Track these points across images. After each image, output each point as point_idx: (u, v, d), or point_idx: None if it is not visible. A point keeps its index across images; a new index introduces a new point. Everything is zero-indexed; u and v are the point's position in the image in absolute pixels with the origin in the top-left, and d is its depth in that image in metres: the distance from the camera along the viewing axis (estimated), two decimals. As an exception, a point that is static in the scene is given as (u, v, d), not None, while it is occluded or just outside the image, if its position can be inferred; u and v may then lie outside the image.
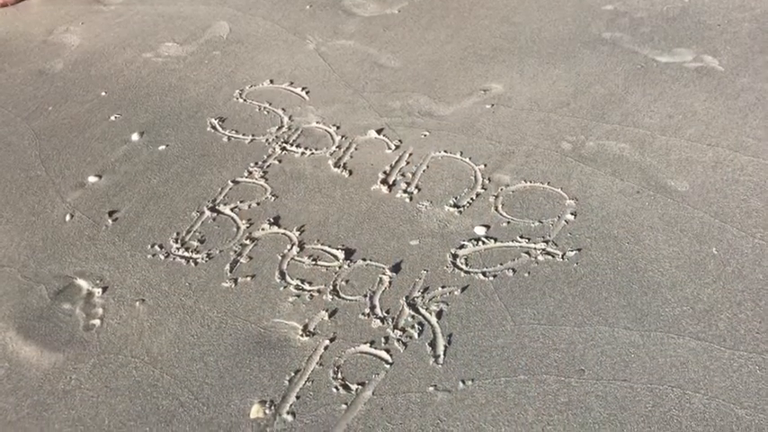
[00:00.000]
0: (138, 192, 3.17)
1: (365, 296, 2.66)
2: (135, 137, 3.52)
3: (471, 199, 3.06)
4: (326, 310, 2.61)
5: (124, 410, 2.26)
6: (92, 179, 3.26)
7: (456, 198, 3.08)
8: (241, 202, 3.12)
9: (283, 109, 3.64)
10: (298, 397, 2.29)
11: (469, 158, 3.27)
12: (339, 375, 2.37)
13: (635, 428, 2.15)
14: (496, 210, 3.00)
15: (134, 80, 3.90)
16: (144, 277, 2.72)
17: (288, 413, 2.25)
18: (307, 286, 2.71)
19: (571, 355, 2.38)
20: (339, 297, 2.65)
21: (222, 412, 2.24)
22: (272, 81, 3.84)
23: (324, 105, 3.65)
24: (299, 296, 2.66)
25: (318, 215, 3.01)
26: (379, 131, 3.46)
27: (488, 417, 2.19)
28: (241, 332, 2.49)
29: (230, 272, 2.79)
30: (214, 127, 3.55)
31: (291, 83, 3.82)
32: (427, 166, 3.25)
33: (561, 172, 3.17)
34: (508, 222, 2.94)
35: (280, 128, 3.52)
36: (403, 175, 3.21)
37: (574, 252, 2.78)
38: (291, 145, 3.41)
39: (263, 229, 2.98)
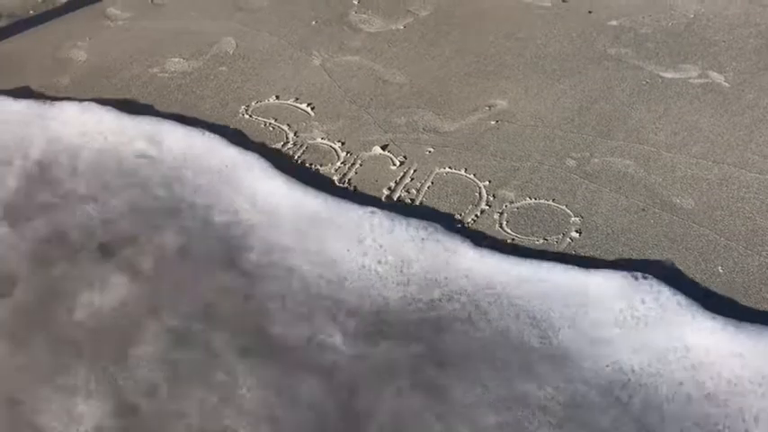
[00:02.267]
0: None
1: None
2: (141, 152, 3.54)
3: (476, 216, 3.06)
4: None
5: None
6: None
7: (461, 215, 3.07)
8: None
9: (288, 125, 3.65)
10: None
11: (474, 175, 3.27)
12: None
13: None
14: (501, 227, 3.00)
15: (141, 95, 3.92)
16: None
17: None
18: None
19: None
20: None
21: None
22: (277, 97, 3.85)
23: (329, 121, 3.66)
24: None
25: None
26: (383, 147, 3.46)
27: None
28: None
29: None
30: (219, 143, 3.56)
31: (297, 99, 3.83)
32: (432, 183, 3.25)
33: (566, 189, 3.17)
34: (512, 240, 2.93)
35: (285, 144, 3.52)
36: (407, 191, 3.22)
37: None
38: (296, 161, 3.42)
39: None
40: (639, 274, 2.54)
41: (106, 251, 2.91)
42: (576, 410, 2.19)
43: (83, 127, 3.53)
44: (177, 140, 3.40)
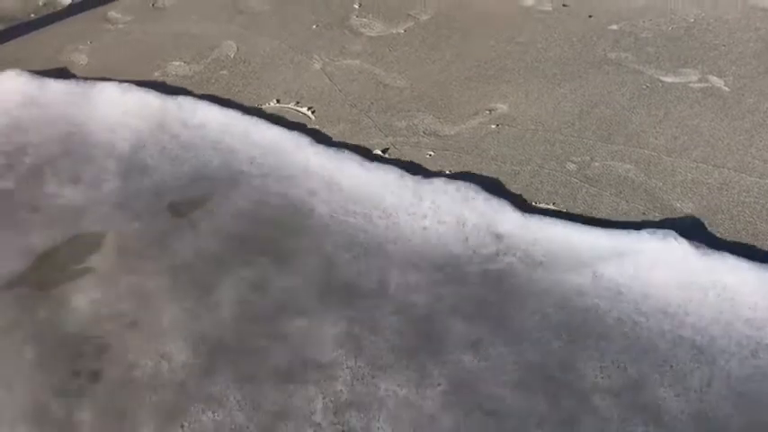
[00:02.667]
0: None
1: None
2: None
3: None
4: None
5: None
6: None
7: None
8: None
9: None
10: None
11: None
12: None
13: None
14: (501, 231, 3.01)
15: (141, 99, 3.93)
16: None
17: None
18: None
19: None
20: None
21: None
22: (278, 101, 3.86)
23: (329, 125, 3.67)
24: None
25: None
26: (384, 151, 3.47)
27: None
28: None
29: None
30: (220, 146, 3.59)
31: (298, 102, 3.84)
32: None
33: (566, 193, 3.17)
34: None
35: (285, 147, 3.54)
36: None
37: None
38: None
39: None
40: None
41: (177, 212, 3.17)
42: (636, 340, 2.50)
43: (125, 105, 3.75)
44: (218, 118, 3.62)
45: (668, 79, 3.81)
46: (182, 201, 3.21)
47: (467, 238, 2.89)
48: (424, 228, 2.95)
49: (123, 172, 3.39)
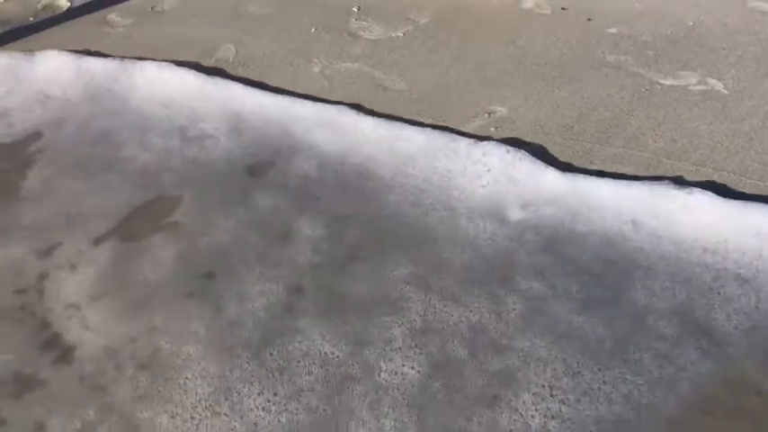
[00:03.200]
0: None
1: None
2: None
3: (476, 223, 3.09)
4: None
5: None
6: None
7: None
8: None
9: (288, 131, 3.68)
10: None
11: (474, 182, 3.30)
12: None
13: None
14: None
15: (141, 102, 3.95)
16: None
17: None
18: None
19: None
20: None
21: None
22: (277, 104, 3.86)
23: (329, 128, 3.68)
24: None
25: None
26: (383, 154, 3.48)
27: None
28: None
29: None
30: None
31: (296, 105, 3.84)
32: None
33: (566, 196, 3.18)
34: (513, 246, 2.97)
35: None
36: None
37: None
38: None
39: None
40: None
41: (249, 173, 3.42)
42: (681, 272, 2.78)
43: (168, 82, 3.98)
44: (257, 98, 3.84)
45: (667, 82, 3.81)
46: (249, 165, 3.46)
47: (519, 194, 3.14)
48: (483, 186, 3.20)
49: (189, 140, 3.62)
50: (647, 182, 3.11)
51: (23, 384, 2.59)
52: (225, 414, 2.43)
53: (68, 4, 4.87)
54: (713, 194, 2.99)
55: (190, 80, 3.96)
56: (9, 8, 4.87)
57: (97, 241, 3.13)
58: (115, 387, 2.56)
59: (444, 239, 2.99)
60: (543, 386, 2.45)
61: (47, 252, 3.08)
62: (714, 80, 3.79)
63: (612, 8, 4.43)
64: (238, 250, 3.03)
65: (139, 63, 4.11)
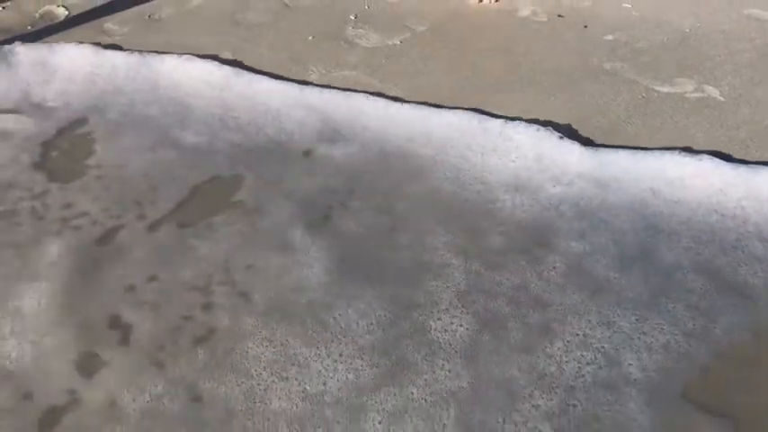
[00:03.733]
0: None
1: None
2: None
3: (472, 230, 3.11)
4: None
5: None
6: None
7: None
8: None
9: (286, 139, 3.70)
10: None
11: (471, 189, 3.31)
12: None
13: None
14: (497, 241, 3.04)
15: (138, 110, 3.96)
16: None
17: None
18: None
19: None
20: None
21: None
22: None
23: (326, 136, 3.69)
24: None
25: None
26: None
27: None
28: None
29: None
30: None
31: (294, 113, 3.85)
32: (428, 197, 3.31)
33: (562, 203, 3.19)
34: (509, 254, 2.97)
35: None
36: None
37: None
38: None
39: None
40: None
41: (295, 156, 3.58)
42: (703, 233, 3.00)
43: (191, 72, 4.15)
44: (284, 88, 4.04)
45: (664, 89, 3.82)
46: (294, 149, 3.60)
47: (548, 168, 3.33)
48: (513, 161, 3.39)
49: (232, 127, 3.75)
50: (657, 152, 3.36)
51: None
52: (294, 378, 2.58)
53: (66, 12, 4.88)
54: (720, 160, 3.24)
55: (212, 71, 4.13)
56: (7, 17, 4.88)
57: (157, 223, 3.23)
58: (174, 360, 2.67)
59: (483, 212, 3.18)
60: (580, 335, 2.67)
61: (105, 236, 3.18)
62: (711, 87, 3.80)
63: (609, 15, 4.44)
64: (292, 225, 3.18)
65: (159, 56, 4.26)
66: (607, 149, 3.41)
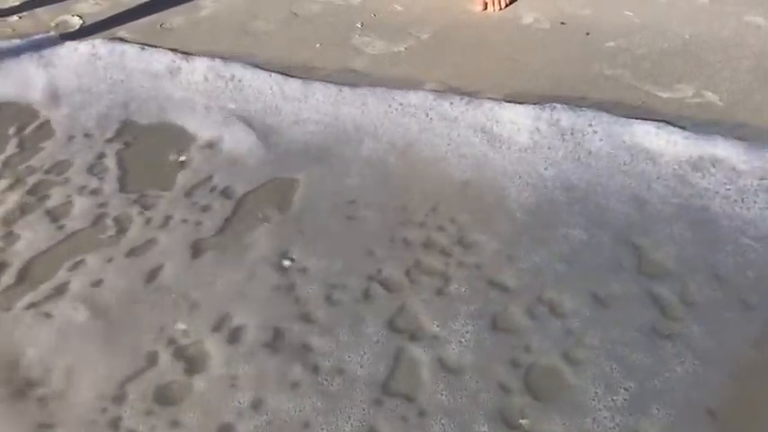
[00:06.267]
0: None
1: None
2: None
3: (473, 232, 3.19)
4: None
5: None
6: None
7: (458, 231, 3.20)
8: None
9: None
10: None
11: (472, 193, 3.40)
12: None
13: None
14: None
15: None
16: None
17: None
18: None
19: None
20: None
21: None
22: (282, 117, 3.98)
23: (331, 141, 3.80)
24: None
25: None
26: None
27: None
28: None
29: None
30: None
31: (300, 119, 3.96)
32: (431, 200, 3.40)
33: (561, 206, 3.27)
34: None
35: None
36: (407, 208, 3.35)
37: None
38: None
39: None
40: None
41: (329, 158, 3.76)
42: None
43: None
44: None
45: (664, 95, 3.88)
46: (328, 149, 3.78)
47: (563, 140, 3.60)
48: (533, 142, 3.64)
49: (274, 129, 3.94)
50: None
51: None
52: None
53: (81, 22, 5.01)
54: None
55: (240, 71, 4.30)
56: (24, 24, 5.01)
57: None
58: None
59: (496, 200, 3.35)
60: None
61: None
62: (709, 93, 3.86)
63: (611, 23, 4.51)
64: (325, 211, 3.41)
65: (190, 59, 4.39)
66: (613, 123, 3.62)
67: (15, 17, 5.09)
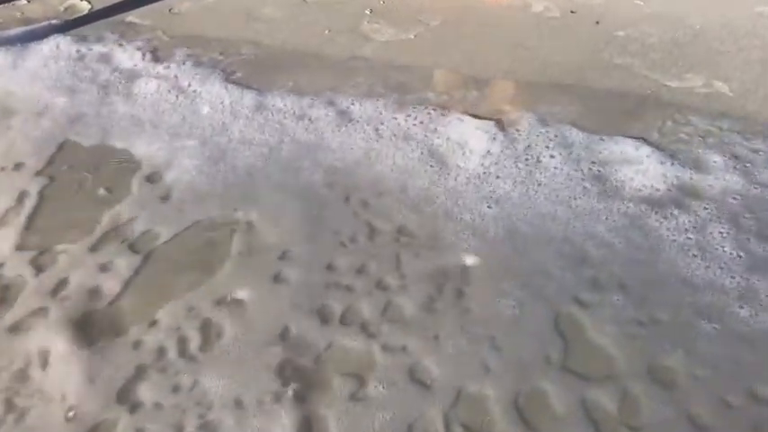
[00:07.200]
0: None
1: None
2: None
3: (483, 219, 3.21)
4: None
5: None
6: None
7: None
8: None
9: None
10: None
11: (482, 179, 3.42)
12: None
13: None
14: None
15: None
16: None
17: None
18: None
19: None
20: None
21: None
22: (291, 103, 3.98)
23: (341, 127, 3.80)
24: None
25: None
26: (394, 153, 3.59)
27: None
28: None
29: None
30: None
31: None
32: (441, 187, 3.41)
33: (571, 194, 3.28)
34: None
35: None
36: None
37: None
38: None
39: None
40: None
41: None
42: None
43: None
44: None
45: (673, 84, 3.88)
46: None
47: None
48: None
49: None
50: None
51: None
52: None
53: (89, 6, 5.01)
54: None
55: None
56: (33, 9, 5.01)
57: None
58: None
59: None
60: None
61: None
62: (719, 82, 3.86)
63: (621, 11, 4.50)
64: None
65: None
66: (600, 137, 3.55)
67: (24, 1, 5.09)
